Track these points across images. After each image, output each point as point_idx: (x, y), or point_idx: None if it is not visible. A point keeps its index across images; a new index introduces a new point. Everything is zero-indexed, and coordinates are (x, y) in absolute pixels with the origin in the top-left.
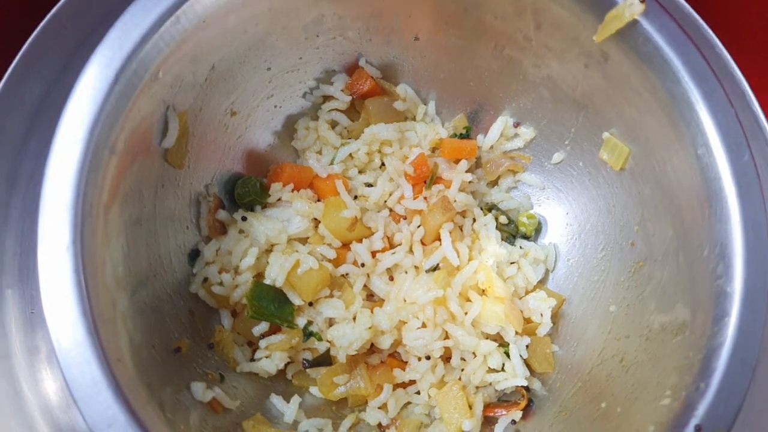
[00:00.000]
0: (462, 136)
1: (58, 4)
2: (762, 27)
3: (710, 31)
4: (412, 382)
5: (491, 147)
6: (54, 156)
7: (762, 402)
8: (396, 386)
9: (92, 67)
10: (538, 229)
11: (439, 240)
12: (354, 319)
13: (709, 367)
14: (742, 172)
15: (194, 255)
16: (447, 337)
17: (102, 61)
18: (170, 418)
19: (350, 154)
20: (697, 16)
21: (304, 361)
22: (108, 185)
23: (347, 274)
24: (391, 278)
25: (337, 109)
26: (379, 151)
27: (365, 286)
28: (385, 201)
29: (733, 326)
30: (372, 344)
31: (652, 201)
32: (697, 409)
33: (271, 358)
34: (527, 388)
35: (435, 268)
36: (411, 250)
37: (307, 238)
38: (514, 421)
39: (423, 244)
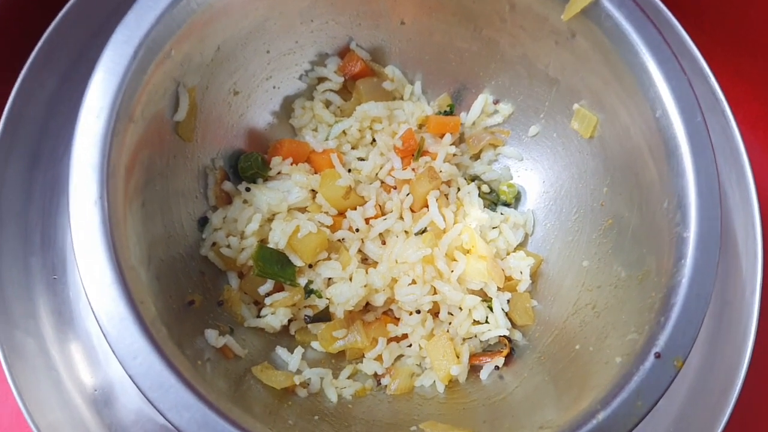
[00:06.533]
0: (446, 114)
1: (70, 2)
2: (719, 8)
3: (670, 14)
4: (405, 336)
5: (473, 123)
6: (82, 121)
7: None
8: (389, 340)
9: (113, 44)
10: (518, 197)
11: (427, 207)
12: (350, 278)
13: (669, 303)
14: (695, 131)
15: (203, 222)
16: (435, 292)
17: (121, 39)
18: (188, 354)
19: (343, 131)
20: (659, 1)
21: (306, 317)
22: (128, 150)
23: (343, 239)
24: (384, 242)
25: (330, 90)
26: (370, 128)
27: (360, 250)
28: (377, 174)
29: (689, 266)
30: (367, 303)
31: (618, 164)
32: (658, 340)
33: (275, 315)
34: (509, 339)
35: (423, 231)
36: (401, 216)
37: (306, 207)
38: (497, 367)
39: (412, 210)
